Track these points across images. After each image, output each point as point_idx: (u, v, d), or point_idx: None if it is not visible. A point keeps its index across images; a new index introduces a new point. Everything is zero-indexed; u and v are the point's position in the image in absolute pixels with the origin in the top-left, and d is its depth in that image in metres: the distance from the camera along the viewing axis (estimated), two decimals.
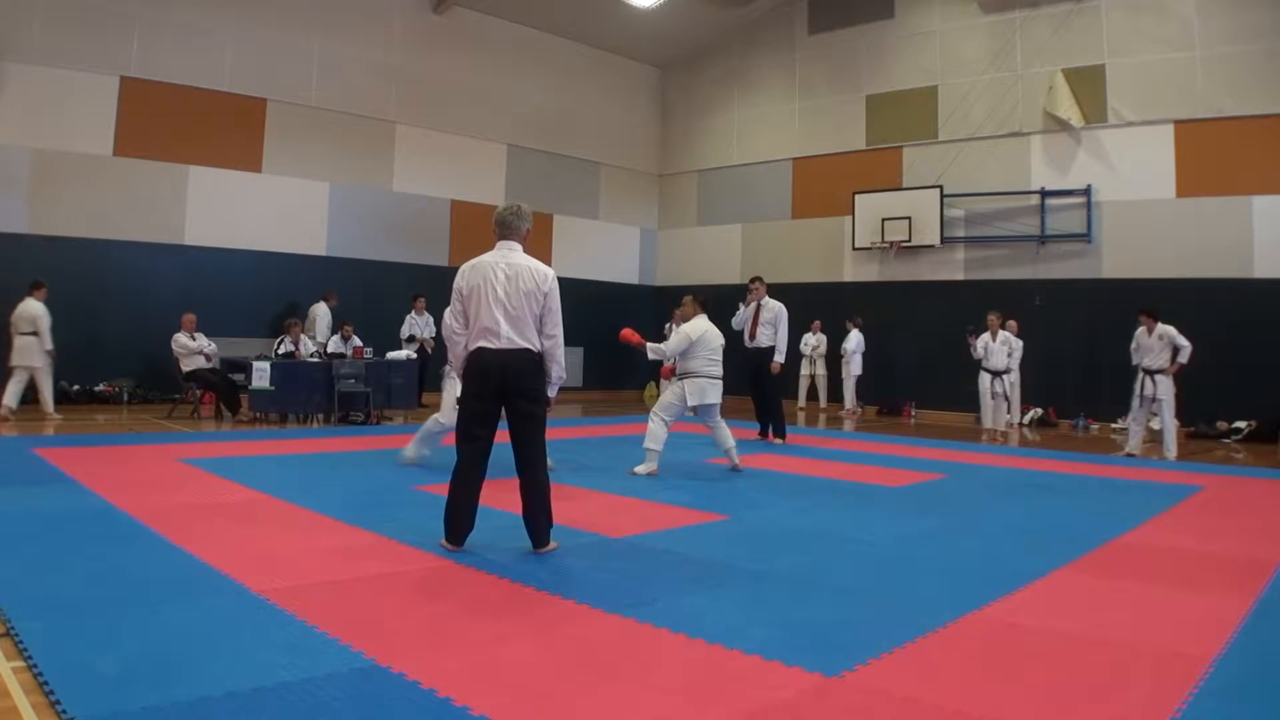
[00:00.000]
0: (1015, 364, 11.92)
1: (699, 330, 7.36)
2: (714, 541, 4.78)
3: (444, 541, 4.31)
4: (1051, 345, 13.02)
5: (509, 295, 4.21)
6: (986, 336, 11.39)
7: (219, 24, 12.57)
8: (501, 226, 4.44)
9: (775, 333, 9.73)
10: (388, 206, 14.43)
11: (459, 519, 4.27)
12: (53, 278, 11.17)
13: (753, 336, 9.85)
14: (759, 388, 9.97)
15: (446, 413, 7.04)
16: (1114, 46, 12.97)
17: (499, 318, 4.20)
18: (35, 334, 9.74)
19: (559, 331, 4.36)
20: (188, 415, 10.60)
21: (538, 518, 4.31)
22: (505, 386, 4.21)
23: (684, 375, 7.41)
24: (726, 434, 7.50)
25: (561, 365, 4.42)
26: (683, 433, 10.90)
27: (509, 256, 4.33)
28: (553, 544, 4.38)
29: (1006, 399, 11.72)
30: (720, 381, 7.49)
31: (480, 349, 4.23)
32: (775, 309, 9.80)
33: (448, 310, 4.73)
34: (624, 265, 18.16)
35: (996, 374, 11.45)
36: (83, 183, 11.49)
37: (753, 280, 10.00)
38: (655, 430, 7.24)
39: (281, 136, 13.23)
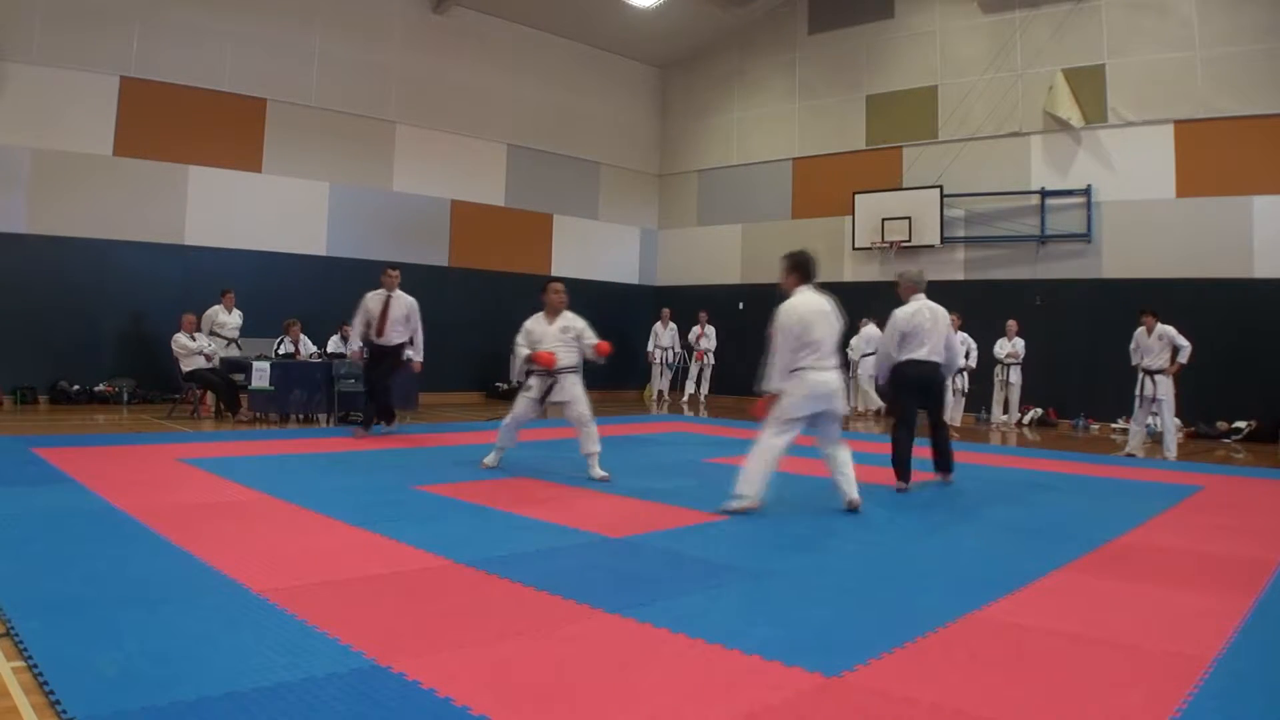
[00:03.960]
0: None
1: None
2: (714, 541, 4.78)
3: (899, 483, 6.69)
4: (1051, 345, 13.03)
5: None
6: None
7: (219, 24, 12.56)
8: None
9: (415, 329, 9.23)
10: (388, 206, 14.43)
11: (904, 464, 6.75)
12: (53, 278, 11.23)
13: (380, 333, 9.18)
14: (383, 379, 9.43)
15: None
16: (1114, 46, 12.97)
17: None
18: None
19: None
20: (188, 415, 10.60)
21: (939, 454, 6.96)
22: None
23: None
24: None
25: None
26: (683, 432, 10.91)
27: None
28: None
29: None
30: None
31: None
32: (408, 303, 9.24)
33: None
34: (624, 265, 18.15)
35: None
36: (83, 183, 11.48)
37: (389, 268, 9.36)
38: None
39: (281, 136, 13.23)
